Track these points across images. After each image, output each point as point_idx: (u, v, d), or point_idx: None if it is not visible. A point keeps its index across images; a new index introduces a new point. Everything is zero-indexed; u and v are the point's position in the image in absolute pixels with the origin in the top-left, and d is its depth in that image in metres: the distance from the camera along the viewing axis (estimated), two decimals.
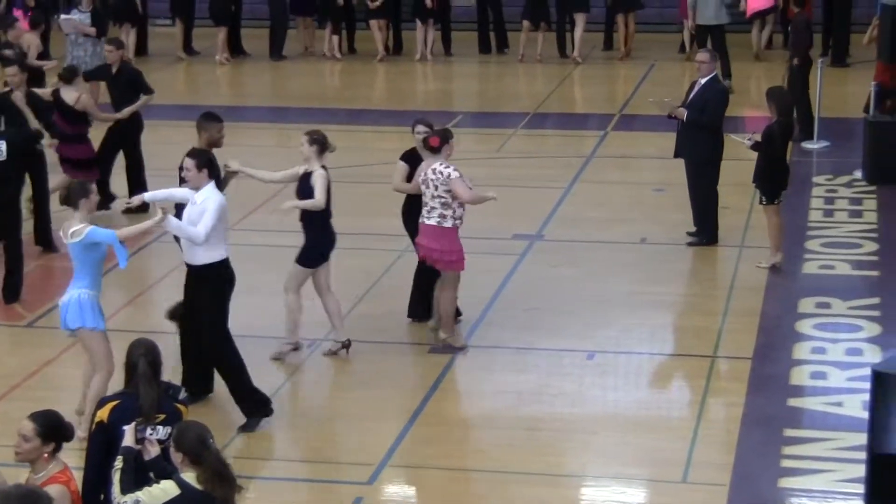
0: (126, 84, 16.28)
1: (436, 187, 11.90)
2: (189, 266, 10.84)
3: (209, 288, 10.75)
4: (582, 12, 24.55)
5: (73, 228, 10.15)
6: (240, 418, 10.88)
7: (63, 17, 21.13)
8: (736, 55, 22.99)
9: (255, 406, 10.78)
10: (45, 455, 7.25)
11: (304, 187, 11.85)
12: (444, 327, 12.20)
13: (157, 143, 18.01)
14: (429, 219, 11.99)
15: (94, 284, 10.32)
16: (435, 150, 12.02)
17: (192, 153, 10.85)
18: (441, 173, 11.87)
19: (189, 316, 11.01)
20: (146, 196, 11.36)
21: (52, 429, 7.29)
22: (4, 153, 13.49)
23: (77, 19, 20.64)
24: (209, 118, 12.16)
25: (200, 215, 10.53)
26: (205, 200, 10.61)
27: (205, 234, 10.51)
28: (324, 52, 25.53)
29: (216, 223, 10.55)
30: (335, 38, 25.38)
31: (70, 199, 10.24)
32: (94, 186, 10.77)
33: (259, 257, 14.44)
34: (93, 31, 20.67)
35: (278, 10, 25.57)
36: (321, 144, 11.87)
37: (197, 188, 10.68)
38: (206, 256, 10.67)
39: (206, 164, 10.78)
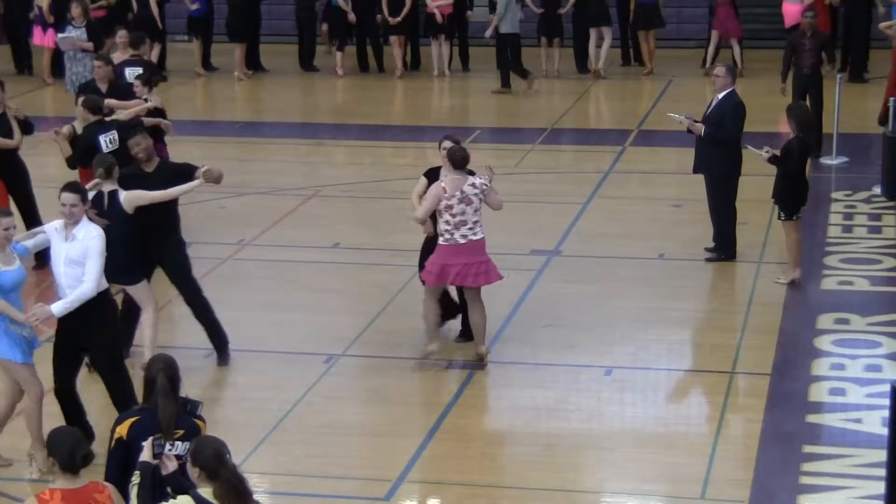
0: None
1: (480, 201, 11.86)
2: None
3: (108, 314, 10.38)
4: (606, 26, 24.58)
5: None
6: (256, 434, 10.91)
7: (60, 35, 21.22)
8: (767, 70, 23.13)
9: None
10: None
11: None
12: (483, 342, 12.18)
13: (174, 159, 18.05)
14: (474, 235, 11.88)
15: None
16: (464, 167, 11.93)
17: (73, 187, 10.34)
18: (485, 185, 11.84)
19: (81, 353, 10.50)
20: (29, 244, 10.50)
21: None
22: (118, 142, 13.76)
23: (74, 36, 20.73)
24: None
25: (84, 253, 10.07)
26: (90, 238, 10.13)
27: (96, 285, 10.11)
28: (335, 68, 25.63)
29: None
30: (339, 55, 25.43)
31: None
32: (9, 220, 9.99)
33: (273, 273, 14.47)
34: (90, 45, 20.81)
35: (308, 22, 25.73)
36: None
37: (77, 222, 10.19)
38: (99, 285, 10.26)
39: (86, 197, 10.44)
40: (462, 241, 11.86)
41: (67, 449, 7.15)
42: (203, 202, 16.31)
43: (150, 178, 11.86)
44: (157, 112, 15.38)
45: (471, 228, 11.88)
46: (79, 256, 10.11)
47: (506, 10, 23.29)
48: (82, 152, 13.89)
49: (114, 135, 13.85)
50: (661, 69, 24.99)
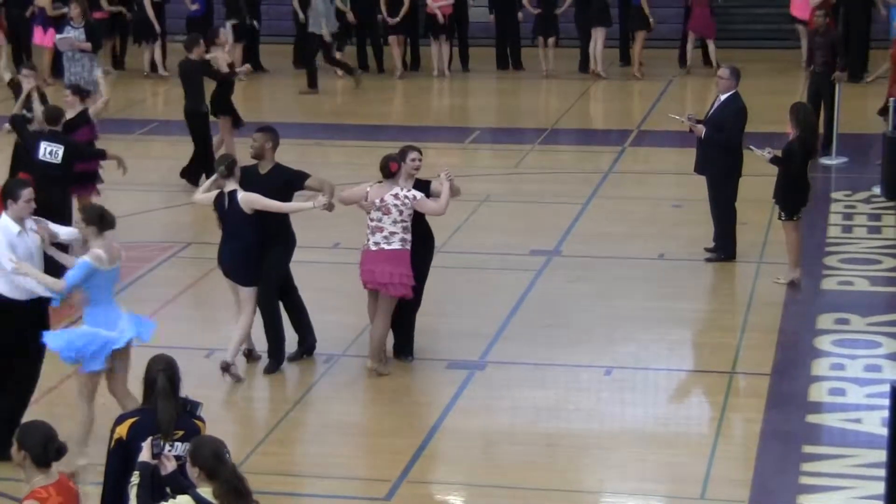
0: None
1: (400, 212, 11.68)
2: (29, 302, 10.40)
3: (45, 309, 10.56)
4: (602, 27, 24.56)
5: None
6: (256, 434, 10.91)
7: (59, 36, 21.20)
8: (767, 70, 23.14)
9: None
10: None
11: None
12: (373, 357, 11.94)
13: (175, 159, 18.08)
14: (387, 244, 11.68)
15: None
16: (393, 175, 11.79)
17: (28, 183, 10.60)
18: (406, 198, 11.71)
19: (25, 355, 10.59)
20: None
21: None
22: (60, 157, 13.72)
23: (73, 37, 20.73)
24: None
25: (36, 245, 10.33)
26: (34, 231, 10.38)
27: None
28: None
29: None
30: (339, 55, 25.42)
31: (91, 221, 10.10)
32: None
33: None
34: (88, 46, 20.76)
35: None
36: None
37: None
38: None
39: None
40: (374, 248, 11.75)
41: (40, 442, 7.12)
42: None
43: (262, 180, 11.86)
44: (83, 116, 15.21)
45: (385, 237, 11.70)
46: (34, 248, 10.32)
47: (325, 11, 23.62)
48: (16, 148, 14.58)
49: (58, 149, 13.66)
50: (660, 70, 24.99)
